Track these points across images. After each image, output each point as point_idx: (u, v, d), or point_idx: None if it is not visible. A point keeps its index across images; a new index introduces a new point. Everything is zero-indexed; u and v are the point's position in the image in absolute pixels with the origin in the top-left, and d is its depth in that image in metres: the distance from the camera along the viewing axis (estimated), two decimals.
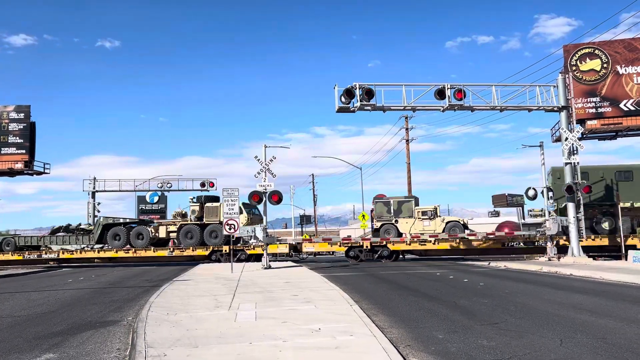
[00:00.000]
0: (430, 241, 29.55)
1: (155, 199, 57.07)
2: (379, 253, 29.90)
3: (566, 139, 25.41)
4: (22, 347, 7.93)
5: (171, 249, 31.02)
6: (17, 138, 35.96)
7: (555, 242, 26.89)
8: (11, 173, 37.23)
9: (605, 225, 28.19)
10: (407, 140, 44.91)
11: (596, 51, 30.99)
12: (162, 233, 32.17)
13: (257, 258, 29.35)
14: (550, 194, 27.44)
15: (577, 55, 30.99)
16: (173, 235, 32.00)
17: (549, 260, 25.30)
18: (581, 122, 29.42)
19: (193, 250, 30.91)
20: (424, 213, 30.72)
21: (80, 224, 35.02)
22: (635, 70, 30.49)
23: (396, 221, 30.88)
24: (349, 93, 24.10)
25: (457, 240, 29.49)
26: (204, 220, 31.11)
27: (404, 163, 44.86)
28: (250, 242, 32.32)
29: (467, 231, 29.90)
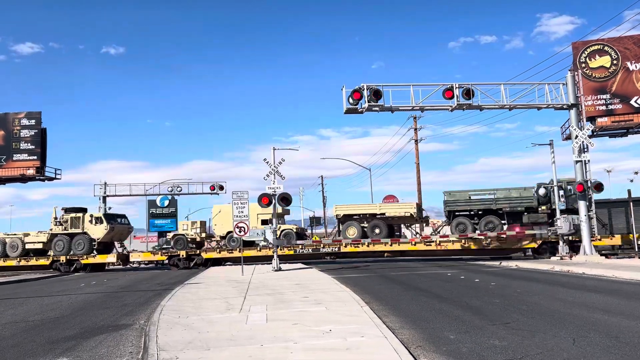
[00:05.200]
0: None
1: (166, 202, 57.14)
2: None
3: (576, 136, 25.21)
4: (36, 350, 8.01)
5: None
6: (29, 144, 36.30)
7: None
8: (23, 179, 37.58)
9: None
10: (416, 141, 44.78)
11: (605, 48, 30.73)
12: None
13: None
14: (561, 192, 27.21)
15: (586, 52, 30.75)
16: None
17: (561, 259, 25.11)
18: (591, 119, 29.15)
19: None
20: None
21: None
22: None
23: None
24: (356, 94, 24.10)
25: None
26: None
27: (412, 164, 44.76)
28: (260, 244, 32.42)
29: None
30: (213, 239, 35.87)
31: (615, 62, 30.47)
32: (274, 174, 23.20)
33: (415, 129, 44.76)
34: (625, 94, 30.24)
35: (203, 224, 36.26)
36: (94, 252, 32.45)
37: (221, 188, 40.17)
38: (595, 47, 30.89)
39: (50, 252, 33.43)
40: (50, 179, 38.69)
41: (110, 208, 39.96)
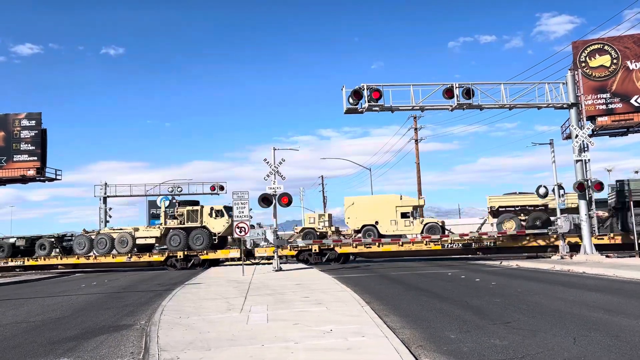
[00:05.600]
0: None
1: (166, 203, 57.18)
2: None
3: (576, 136, 25.19)
4: (37, 351, 8.01)
5: None
6: (29, 145, 36.34)
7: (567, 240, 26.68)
8: (23, 180, 37.61)
9: None
10: (416, 140, 44.77)
11: (605, 47, 30.73)
12: None
13: None
14: (562, 191, 27.17)
15: (586, 52, 30.75)
16: None
17: (562, 258, 25.09)
18: (591, 118, 29.15)
19: None
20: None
21: None
22: None
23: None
24: (356, 94, 24.10)
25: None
26: None
27: (412, 163, 44.75)
28: (260, 244, 32.43)
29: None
30: (343, 232, 33.35)
31: (615, 61, 30.46)
32: (274, 174, 23.20)
33: (416, 129, 44.76)
34: (626, 93, 30.24)
35: (330, 216, 34.35)
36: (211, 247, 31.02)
37: (221, 188, 40.24)
38: (595, 46, 30.89)
39: (158, 248, 32.22)
40: (51, 179, 38.74)
41: (110, 209, 40.02)
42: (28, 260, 32.73)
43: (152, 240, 32.02)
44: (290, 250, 30.72)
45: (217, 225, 31.23)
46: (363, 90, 24.07)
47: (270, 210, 23.82)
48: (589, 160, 25.36)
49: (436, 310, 10.53)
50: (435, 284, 16.10)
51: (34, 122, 36.60)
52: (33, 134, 36.41)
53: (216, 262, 31.67)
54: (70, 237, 33.48)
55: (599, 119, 30.52)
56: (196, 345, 7.45)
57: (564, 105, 26.06)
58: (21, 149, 36.31)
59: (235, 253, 30.74)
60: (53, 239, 33.39)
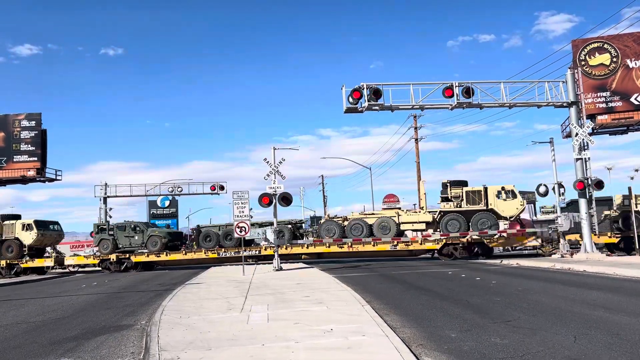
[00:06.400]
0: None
1: (167, 203, 57.25)
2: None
3: (576, 134, 25.17)
4: (37, 352, 8.02)
5: None
6: (29, 146, 36.38)
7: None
8: (23, 180, 37.64)
9: None
10: (417, 139, 44.77)
11: (605, 45, 30.74)
12: None
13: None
14: (562, 190, 27.17)
15: (586, 50, 30.76)
16: None
17: (562, 257, 25.09)
18: (591, 117, 29.19)
19: None
20: None
21: None
22: None
23: None
24: (356, 93, 24.10)
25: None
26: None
27: (412, 162, 44.74)
28: (261, 244, 32.39)
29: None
30: None
31: (615, 59, 30.47)
32: (275, 174, 23.19)
33: (415, 128, 44.75)
34: (625, 92, 30.26)
35: None
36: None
37: (222, 188, 40.23)
38: (595, 45, 30.92)
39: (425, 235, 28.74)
40: (51, 180, 38.78)
41: (111, 209, 39.99)
42: (265, 249, 30.05)
43: (421, 226, 28.33)
44: (611, 238, 26.77)
45: (509, 209, 27.55)
46: (363, 89, 24.06)
47: (270, 210, 23.84)
48: (589, 158, 25.34)
49: (437, 309, 10.53)
50: (435, 282, 16.10)
51: (33, 122, 36.64)
52: (33, 135, 36.45)
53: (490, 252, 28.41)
54: (301, 224, 31.71)
55: (599, 117, 30.57)
56: (196, 345, 7.45)
57: (564, 104, 26.04)
58: (21, 149, 36.35)
59: (534, 242, 28.06)
60: (290, 225, 30.61)
